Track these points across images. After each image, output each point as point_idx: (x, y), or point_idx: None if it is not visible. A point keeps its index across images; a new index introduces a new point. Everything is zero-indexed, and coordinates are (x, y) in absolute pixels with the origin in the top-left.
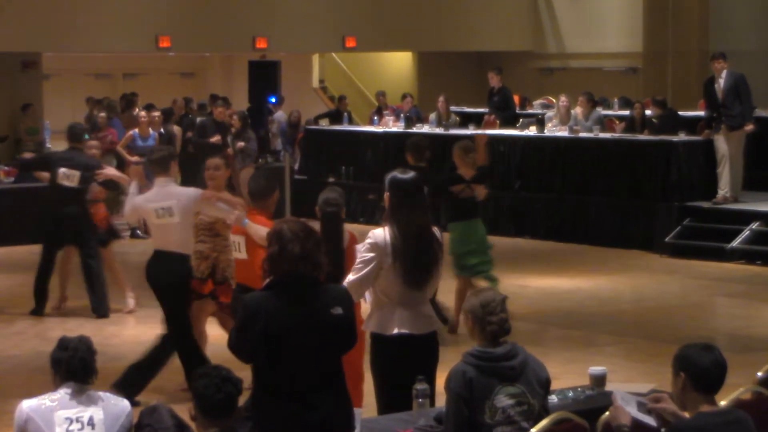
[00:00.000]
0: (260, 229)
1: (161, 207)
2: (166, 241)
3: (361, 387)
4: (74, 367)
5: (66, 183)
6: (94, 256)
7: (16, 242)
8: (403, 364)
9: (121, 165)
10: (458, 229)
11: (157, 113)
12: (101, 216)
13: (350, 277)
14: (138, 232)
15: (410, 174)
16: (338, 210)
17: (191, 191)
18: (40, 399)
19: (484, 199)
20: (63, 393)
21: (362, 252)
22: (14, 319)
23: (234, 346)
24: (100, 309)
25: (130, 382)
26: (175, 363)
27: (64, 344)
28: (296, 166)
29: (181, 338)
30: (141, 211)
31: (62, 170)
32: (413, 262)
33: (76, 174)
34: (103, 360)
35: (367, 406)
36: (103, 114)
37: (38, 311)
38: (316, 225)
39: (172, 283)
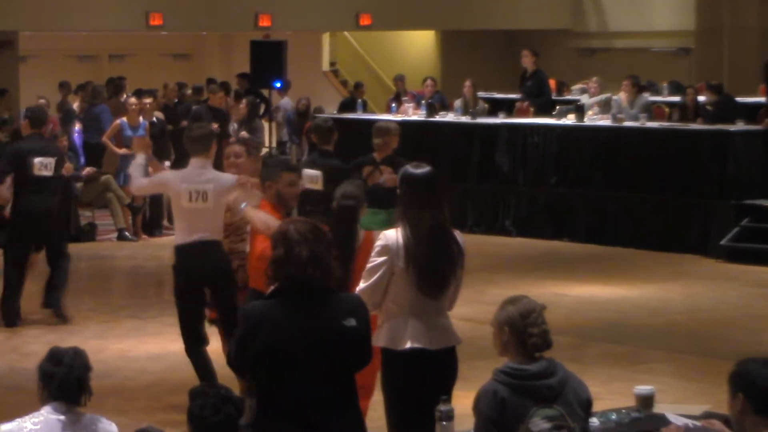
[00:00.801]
0: (262, 216)
1: (196, 190)
2: (194, 227)
3: (366, 403)
4: (69, 386)
5: (45, 173)
6: (67, 255)
7: None
8: (417, 383)
9: (99, 157)
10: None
11: (148, 100)
12: None
13: (361, 284)
14: (126, 234)
15: (424, 168)
16: (356, 205)
17: (228, 176)
18: (21, 422)
19: (392, 185)
20: (47, 415)
21: (372, 256)
22: None
23: (233, 361)
24: (63, 313)
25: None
26: (169, 381)
27: (57, 357)
28: (303, 159)
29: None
30: (170, 189)
31: (37, 160)
32: (427, 266)
33: (51, 162)
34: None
35: (378, 430)
36: (77, 103)
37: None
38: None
39: (229, 274)
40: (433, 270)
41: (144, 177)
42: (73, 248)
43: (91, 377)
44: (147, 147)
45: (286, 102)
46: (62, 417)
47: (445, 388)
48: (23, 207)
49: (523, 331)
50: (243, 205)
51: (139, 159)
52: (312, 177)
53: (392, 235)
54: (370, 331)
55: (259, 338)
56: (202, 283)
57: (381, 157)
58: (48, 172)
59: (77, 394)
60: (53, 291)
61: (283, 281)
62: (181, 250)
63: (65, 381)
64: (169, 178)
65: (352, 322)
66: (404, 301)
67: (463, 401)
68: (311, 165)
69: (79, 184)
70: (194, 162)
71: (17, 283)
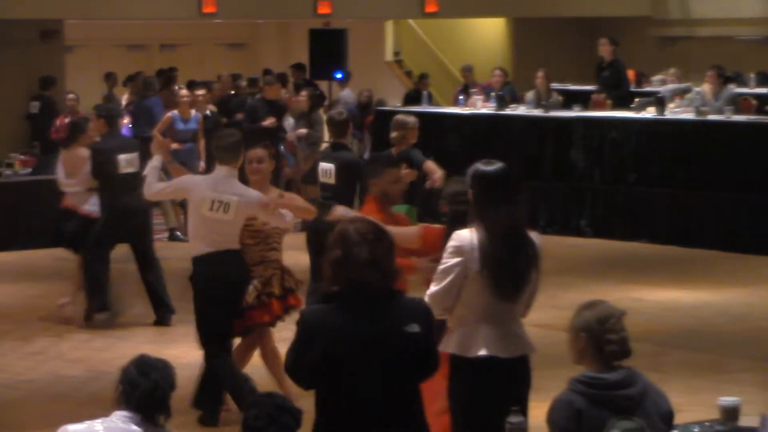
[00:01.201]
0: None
1: (219, 200)
2: (210, 237)
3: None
4: (149, 402)
5: (130, 169)
6: (157, 258)
7: (34, 245)
8: (487, 393)
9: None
10: None
11: (201, 92)
12: None
13: (432, 287)
14: (178, 233)
15: (496, 165)
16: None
17: (254, 194)
18: (91, 425)
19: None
20: (121, 424)
21: (445, 257)
22: (31, 337)
23: (290, 368)
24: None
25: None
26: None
27: (145, 368)
28: (366, 155)
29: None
30: (193, 195)
31: (122, 157)
32: (503, 269)
33: (135, 158)
34: None
35: None
36: (126, 96)
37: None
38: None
39: (237, 281)
40: (509, 273)
41: (158, 181)
42: (122, 248)
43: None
44: (166, 148)
45: (347, 94)
46: (135, 428)
47: (517, 398)
48: (118, 205)
49: (601, 337)
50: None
51: (155, 161)
52: (325, 170)
53: (466, 236)
54: (434, 337)
55: (315, 345)
56: (222, 293)
57: (397, 151)
58: (133, 169)
59: (155, 412)
60: (163, 304)
61: (341, 284)
62: (200, 262)
63: (148, 396)
64: (192, 184)
65: (414, 328)
66: (477, 305)
67: (536, 412)
68: (325, 158)
69: None
70: (221, 170)
71: (106, 277)
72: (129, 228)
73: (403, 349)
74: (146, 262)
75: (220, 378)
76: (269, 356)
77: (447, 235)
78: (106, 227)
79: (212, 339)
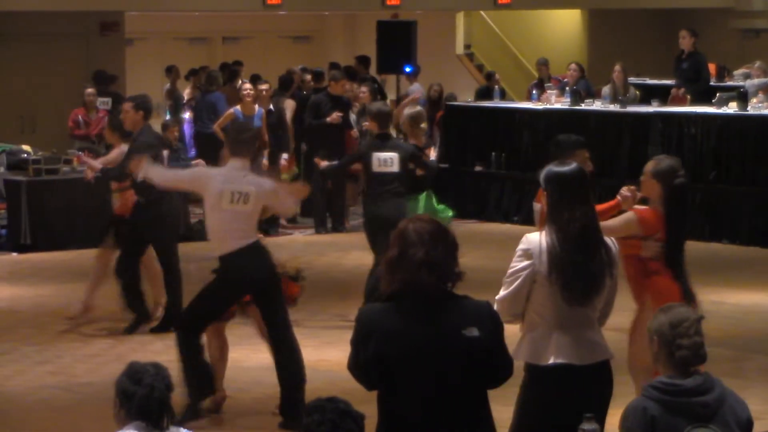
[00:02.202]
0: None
1: (239, 191)
2: (232, 231)
3: None
4: (149, 408)
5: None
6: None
7: (92, 244)
8: (561, 402)
9: (214, 149)
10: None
11: (264, 86)
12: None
13: (500, 292)
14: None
15: (571, 165)
16: (687, 181)
17: (267, 183)
18: None
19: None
20: None
21: (513, 261)
22: (91, 339)
23: (350, 368)
24: None
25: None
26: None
27: (136, 375)
28: (435, 152)
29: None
30: (209, 188)
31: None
32: (575, 272)
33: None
34: None
35: None
36: (188, 90)
37: None
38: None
39: (269, 276)
40: (580, 276)
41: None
42: (183, 248)
43: (171, 397)
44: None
45: (416, 88)
46: None
47: (595, 406)
48: (172, 209)
49: (672, 342)
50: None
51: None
52: (384, 160)
53: (535, 239)
54: (499, 342)
55: (370, 345)
56: (246, 292)
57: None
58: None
59: (158, 417)
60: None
61: (396, 285)
62: (228, 259)
63: (145, 403)
64: (209, 177)
65: (474, 332)
66: (548, 311)
67: (610, 419)
68: (379, 148)
69: None
70: (235, 163)
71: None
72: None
73: (459, 353)
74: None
75: (183, 355)
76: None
77: (671, 212)
78: (165, 231)
79: (197, 315)
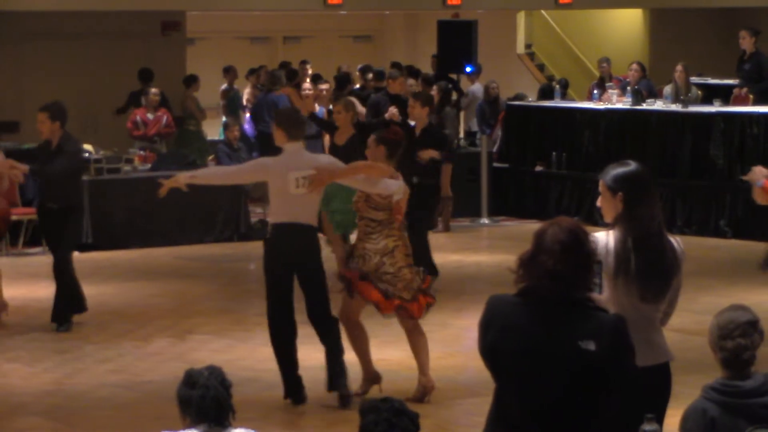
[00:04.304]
0: None
1: (303, 176)
2: (295, 211)
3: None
4: (206, 408)
5: None
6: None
7: (153, 244)
8: (624, 403)
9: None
10: None
11: (325, 86)
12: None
13: None
14: None
15: (632, 165)
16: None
17: (325, 158)
18: None
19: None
20: None
21: None
22: (151, 337)
23: (479, 349)
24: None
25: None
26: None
27: (191, 380)
28: (495, 151)
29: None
30: (273, 176)
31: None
32: (640, 273)
33: None
34: (258, 388)
35: None
36: (248, 89)
37: None
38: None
39: (318, 260)
40: (657, 275)
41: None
42: (243, 247)
43: (231, 395)
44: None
45: (477, 88)
46: None
47: (654, 407)
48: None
49: (716, 343)
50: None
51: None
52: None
53: (602, 239)
54: (616, 360)
55: (489, 334)
56: (291, 265)
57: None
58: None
59: (218, 416)
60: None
61: (523, 284)
62: (278, 228)
63: (202, 404)
64: (270, 165)
65: (590, 345)
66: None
67: (670, 420)
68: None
69: None
70: (292, 147)
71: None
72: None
73: (570, 364)
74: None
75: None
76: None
77: None
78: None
79: (273, 312)
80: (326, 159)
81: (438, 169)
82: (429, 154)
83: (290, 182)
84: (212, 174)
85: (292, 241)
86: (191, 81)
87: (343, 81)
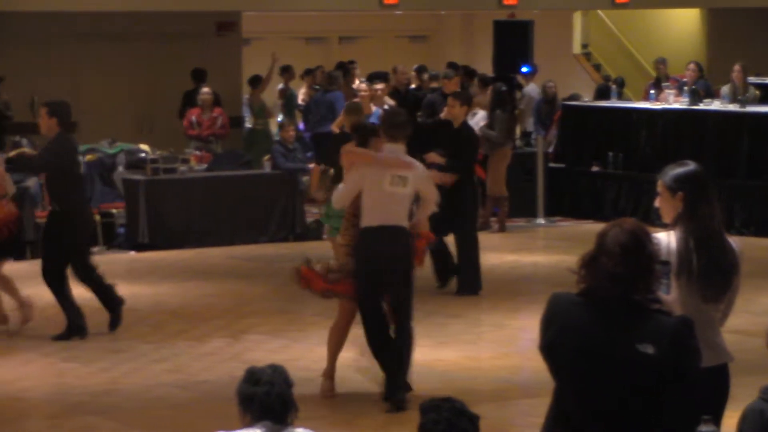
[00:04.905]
0: None
1: (399, 175)
2: (390, 213)
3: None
4: (271, 405)
5: None
6: None
7: (209, 243)
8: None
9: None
10: None
11: (380, 86)
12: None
13: None
14: None
15: (691, 166)
16: None
17: (422, 166)
18: None
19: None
20: None
21: None
22: (206, 337)
23: (539, 346)
24: None
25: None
26: None
27: (255, 377)
28: (551, 151)
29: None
30: (369, 177)
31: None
32: (701, 274)
33: None
34: (314, 388)
35: None
36: (303, 89)
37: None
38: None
39: (411, 262)
40: (719, 273)
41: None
42: (298, 247)
43: (293, 392)
44: None
45: (532, 89)
46: None
47: (712, 409)
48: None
49: None
50: None
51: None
52: None
53: (663, 239)
54: (675, 366)
55: (549, 331)
56: (382, 268)
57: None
58: None
59: (282, 413)
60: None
61: (585, 284)
62: (371, 232)
63: (266, 401)
64: (364, 172)
65: (648, 348)
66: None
67: (728, 421)
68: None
69: (305, 178)
70: (391, 148)
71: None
72: None
73: (627, 366)
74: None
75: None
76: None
77: None
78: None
79: (369, 315)
80: (422, 168)
81: (471, 173)
82: (433, 158)
83: (386, 179)
84: (340, 199)
85: (388, 244)
86: (257, 81)
87: (373, 79)
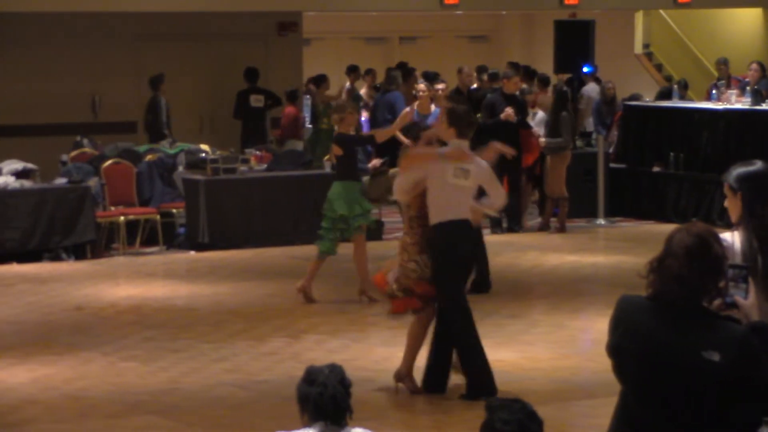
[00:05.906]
0: None
1: (462, 167)
2: (457, 206)
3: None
4: (324, 406)
5: None
6: None
7: (269, 243)
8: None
9: (391, 148)
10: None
11: (441, 86)
12: None
13: None
14: None
15: (762, 163)
16: None
17: (484, 163)
18: None
19: None
20: None
21: None
22: (266, 337)
23: (606, 347)
24: None
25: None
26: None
27: (311, 377)
28: (611, 151)
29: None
30: (433, 171)
31: None
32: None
33: None
34: (373, 388)
35: None
36: (364, 89)
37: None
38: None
39: (472, 253)
40: None
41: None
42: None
43: (350, 394)
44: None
45: (591, 88)
46: None
47: None
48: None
49: None
50: None
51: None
52: None
53: (728, 239)
54: (741, 375)
55: (616, 333)
56: (465, 260)
57: (336, 133)
58: None
59: (335, 414)
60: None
61: (652, 288)
62: (445, 227)
63: (320, 401)
64: (429, 167)
65: (713, 356)
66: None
67: None
68: None
69: (365, 178)
70: (459, 143)
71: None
72: None
73: (692, 373)
74: None
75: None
76: None
77: None
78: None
79: (452, 304)
80: (486, 164)
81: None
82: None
83: (448, 170)
84: (402, 192)
85: (464, 238)
86: (321, 81)
87: (390, 80)
